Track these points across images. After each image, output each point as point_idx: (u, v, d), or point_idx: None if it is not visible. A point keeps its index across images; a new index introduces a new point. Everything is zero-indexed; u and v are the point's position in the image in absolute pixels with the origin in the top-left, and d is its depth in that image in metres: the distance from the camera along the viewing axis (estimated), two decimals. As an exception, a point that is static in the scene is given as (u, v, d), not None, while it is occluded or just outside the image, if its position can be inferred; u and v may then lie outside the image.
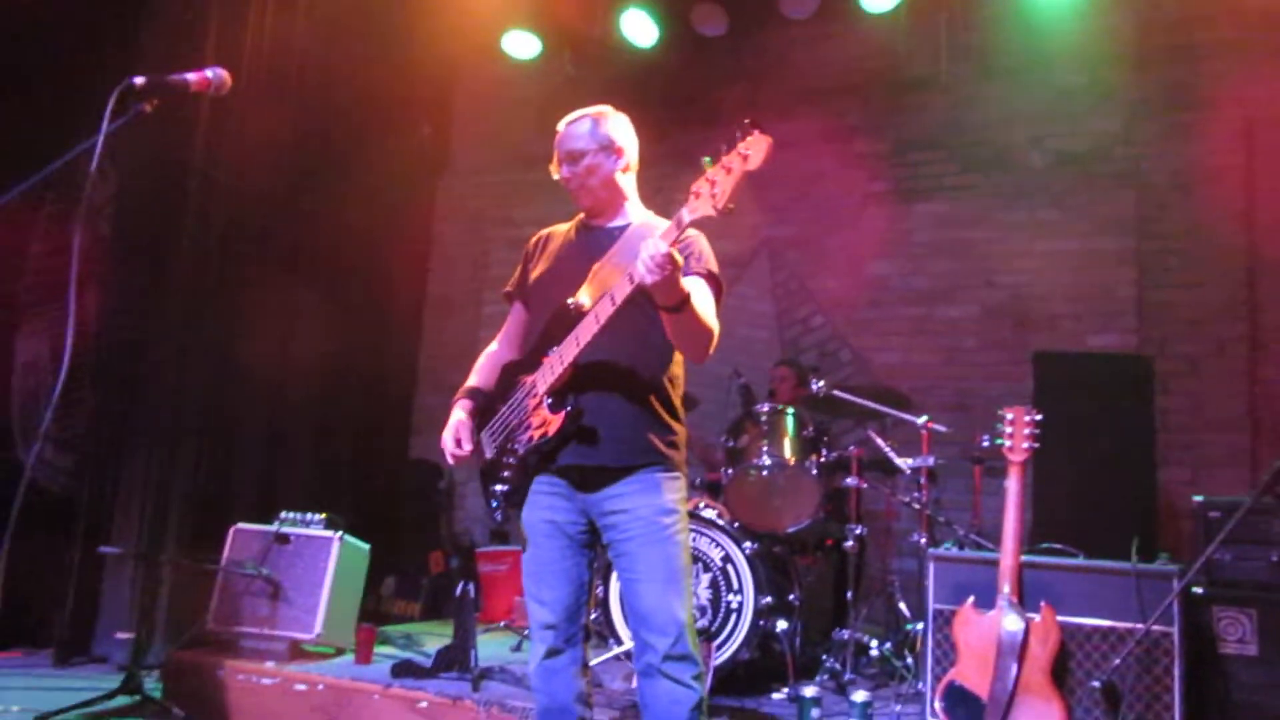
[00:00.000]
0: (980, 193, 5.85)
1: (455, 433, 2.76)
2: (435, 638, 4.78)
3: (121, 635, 4.70)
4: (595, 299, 2.57)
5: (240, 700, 4.00)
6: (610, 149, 2.71)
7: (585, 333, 2.52)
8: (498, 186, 6.91)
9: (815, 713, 3.42)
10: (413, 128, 6.62)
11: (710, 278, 2.61)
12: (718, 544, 4.00)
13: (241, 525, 4.49)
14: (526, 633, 4.71)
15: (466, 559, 6.12)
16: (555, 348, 2.60)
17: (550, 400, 2.61)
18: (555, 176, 2.75)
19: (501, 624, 4.99)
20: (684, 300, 2.40)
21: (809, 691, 3.48)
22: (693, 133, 6.30)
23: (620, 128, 2.75)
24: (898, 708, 3.53)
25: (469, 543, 6.38)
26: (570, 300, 2.61)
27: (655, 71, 6.21)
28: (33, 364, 5.29)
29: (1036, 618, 3.11)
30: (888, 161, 6.10)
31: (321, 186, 5.69)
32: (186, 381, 5.02)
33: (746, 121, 2.16)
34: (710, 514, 4.09)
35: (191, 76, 2.25)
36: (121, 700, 3.98)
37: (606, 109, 2.78)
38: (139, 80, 2.13)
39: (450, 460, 2.77)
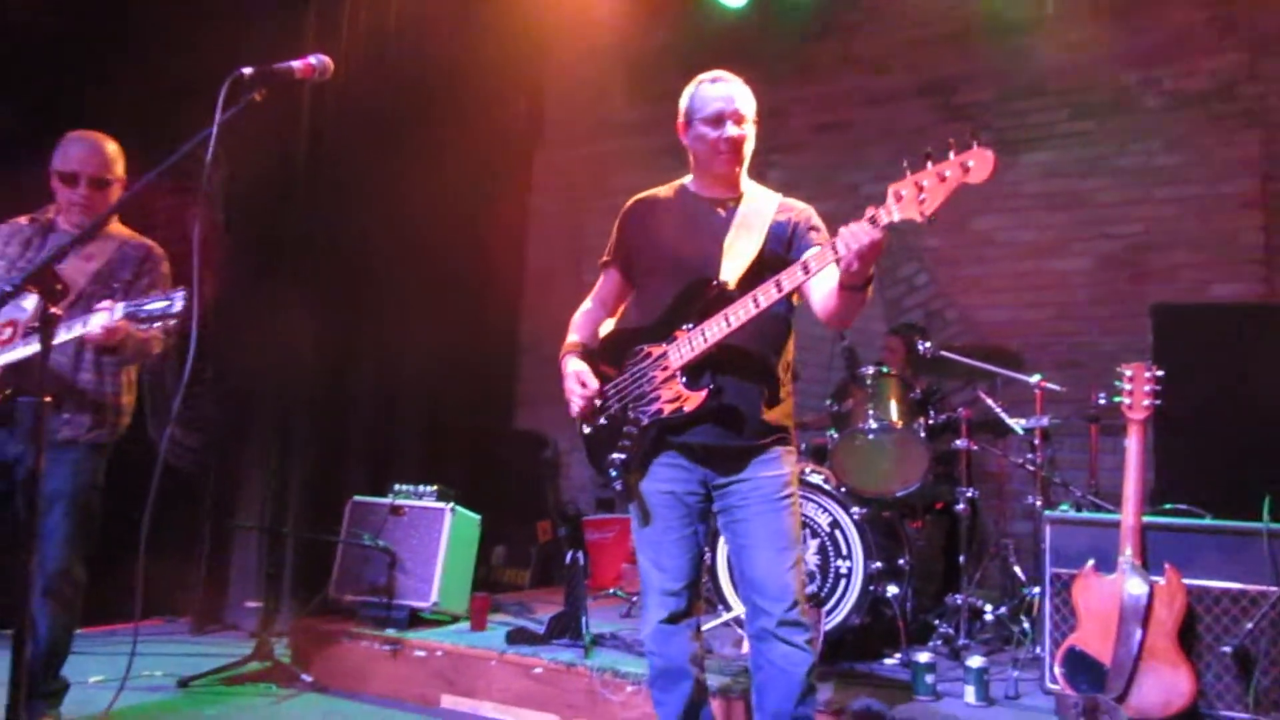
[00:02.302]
0: (1092, 139, 5.60)
1: (579, 376, 2.78)
2: (546, 605, 4.88)
3: (250, 604, 4.93)
4: (739, 278, 2.59)
5: (363, 665, 4.16)
6: (754, 121, 2.73)
7: (740, 314, 2.52)
8: (592, 157, 6.91)
9: (930, 678, 3.39)
10: (508, 102, 6.65)
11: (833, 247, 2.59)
12: (825, 509, 3.97)
13: (358, 498, 4.64)
14: (635, 599, 4.79)
15: (573, 527, 6.22)
16: (693, 324, 2.60)
17: (685, 377, 2.62)
18: (708, 131, 2.69)
19: (610, 591, 5.06)
20: (870, 280, 2.40)
21: (923, 657, 3.44)
22: (783, 91, 6.19)
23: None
24: (1015, 673, 3.46)
25: (575, 511, 6.47)
26: (715, 279, 2.62)
27: (745, 31, 6.11)
28: (158, 348, 5.52)
29: (1161, 581, 3.01)
30: (991, 111, 5.89)
31: (420, 164, 5.77)
32: (300, 362, 5.19)
33: (974, 138, 2.14)
34: (816, 479, 4.05)
35: (297, 64, 2.29)
36: (254, 665, 4.18)
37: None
38: (247, 71, 2.18)
39: (577, 406, 2.77)
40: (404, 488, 4.55)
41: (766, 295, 2.48)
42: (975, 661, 3.35)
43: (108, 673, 4.09)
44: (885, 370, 4.39)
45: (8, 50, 4.82)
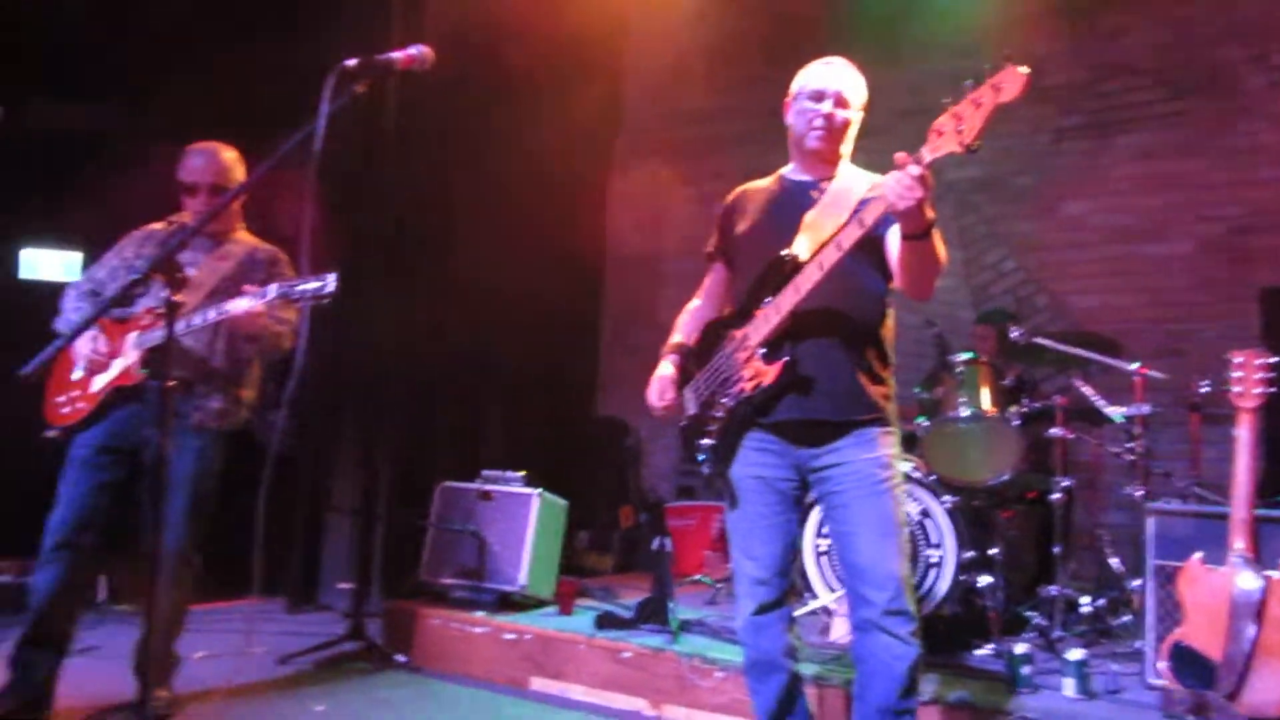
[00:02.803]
0: (1192, 119, 5.42)
1: (659, 386, 2.81)
2: (630, 590, 4.91)
3: (343, 586, 5.05)
4: (812, 250, 2.55)
5: (454, 648, 4.23)
6: (859, 107, 2.70)
7: (806, 280, 2.50)
8: (671, 143, 6.89)
9: (1027, 669, 3.33)
10: (588, 89, 6.66)
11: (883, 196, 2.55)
12: (915, 498, 3.92)
13: (447, 483, 4.71)
14: (720, 586, 4.80)
15: (655, 514, 6.24)
16: (769, 299, 2.59)
17: (764, 351, 2.60)
18: (806, 104, 2.68)
19: (696, 578, 5.06)
20: (930, 225, 2.35)
21: (1020, 648, 3.38)
22: (865, 76, 6.08)
23: (865, 89, 2.73)
24: (1115, 667, 3.38)
25: (656, 498, 6.49)
26: (785, 252, 2.60)
27: (827, 15, 6.03)
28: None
29: (1276, 575, 2.91)
30: (1083, 92, 5.74)
31: (501, 153, 5.82)
32: (389, 348, 5.29)
33: (1006, 54, 2.09)
34: (906, 467, 4.00)
35: (398, 55, 2.33)
36: (349, 645, 4.29)
37: (853, 67, 2.75)
38: (351, 63, 2.23)
39: (658, 413, 2.82)
40: (491, 473, 4.62)
41: (829, 257, 2.46)
42: (1075, 654, 3.28)
43: (212, 648, 4.23)
44: (977, 358, 4.32)
45: (106, 52, 4.99)
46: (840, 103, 2.67)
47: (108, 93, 5.03)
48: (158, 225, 3.59)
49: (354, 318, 5.25)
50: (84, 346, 3.33)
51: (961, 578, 3.81)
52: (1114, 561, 4.26)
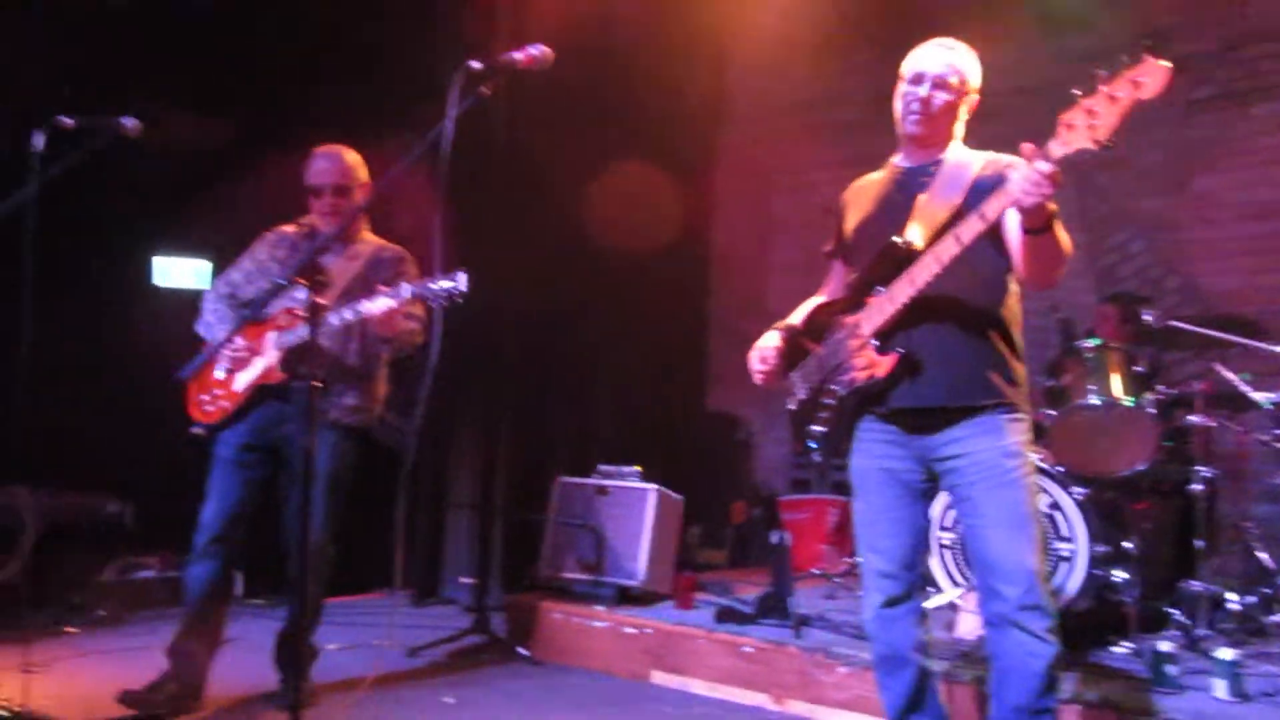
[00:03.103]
0: (1337, 86, 5.11)
1: (760, 352, 2.80)
2: (746, 585, 4.88)
3: (464, 580, 5.16)
4: (927, 237, 2.49)
5: (575, 641, 4.27)
6: (965, 87, 2.62)
7: (923, 274, 2.45)
8: (778, 133, 6.80)
9: (1172, 669, 3.19)
10: (690, 82, 6.63)
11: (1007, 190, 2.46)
12: (1044, 490, 3.80)
13: (565, 478, 4.76)
14: (838, 581, 4.74)
15: (768, 508, 6.19)
16: (882, 288, 2.54)
17: (877, 342, 2.55)
18: (902, 87, 2.64)
19: (815, 572, 5.01)
20: (1051, 219, 2.28)
21: (1163, 646, 3.24)
22: (982, 56, 5.91)
23: (978, 74, 2.65)
24: (1269, 668, 3.21)
25: (769, 492, 6.43)
26: (898, 238, 2.54)
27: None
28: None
29: None
30: (1214, 61, 5.45)
31: (607, 147, 5.83)
32: (504, 347, 5.37)
33: (1142, 45, 1.99)
34: (1034, 459, 3.87)
35: (519, 55, 2.36)
36: (473, 639, 4.38)
37: (971, 50, 2.67)
38: (476, 64, 2.26)
39: (756, 379, 2.80)
40: (608, 468, 4.64)
41: (947, 251, 2.39)
42: (1226, 654, 3.12)
43: (343, 640, 4.37)
44: (1106, 343, 4.15)
45: (233, 66, 5.19)
46: (939, 85, 2.59)
47: (235, 105, 5.22)
48: (288, 228, 3.71)
49: (471, 319, 5.34)
50: (223, 354, 3.47)
51: (1094, 572, 3.67)
52: (1263, 556, 4.05)
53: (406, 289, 3.06)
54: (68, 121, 2.96)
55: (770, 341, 2.81)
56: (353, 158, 3.63)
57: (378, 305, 3.14)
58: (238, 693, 3.56)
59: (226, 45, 5.24)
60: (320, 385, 2.01)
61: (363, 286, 3.53)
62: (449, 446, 5.44)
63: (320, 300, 2.07)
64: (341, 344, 3.52)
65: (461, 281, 2.82)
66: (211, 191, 4.96)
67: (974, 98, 2.65)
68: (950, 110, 2.61)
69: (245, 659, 3.68)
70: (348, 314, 3.22)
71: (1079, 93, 2.10)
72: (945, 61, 2.61)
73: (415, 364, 5.59)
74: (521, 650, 4.28)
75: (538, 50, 2.37)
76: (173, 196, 5.20)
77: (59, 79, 4.99)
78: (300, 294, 3.34)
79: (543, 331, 5.55)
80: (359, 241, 3.67)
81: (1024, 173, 2.18)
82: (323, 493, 3.45)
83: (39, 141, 2.88)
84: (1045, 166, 2.14)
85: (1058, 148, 2.14)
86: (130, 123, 3.01)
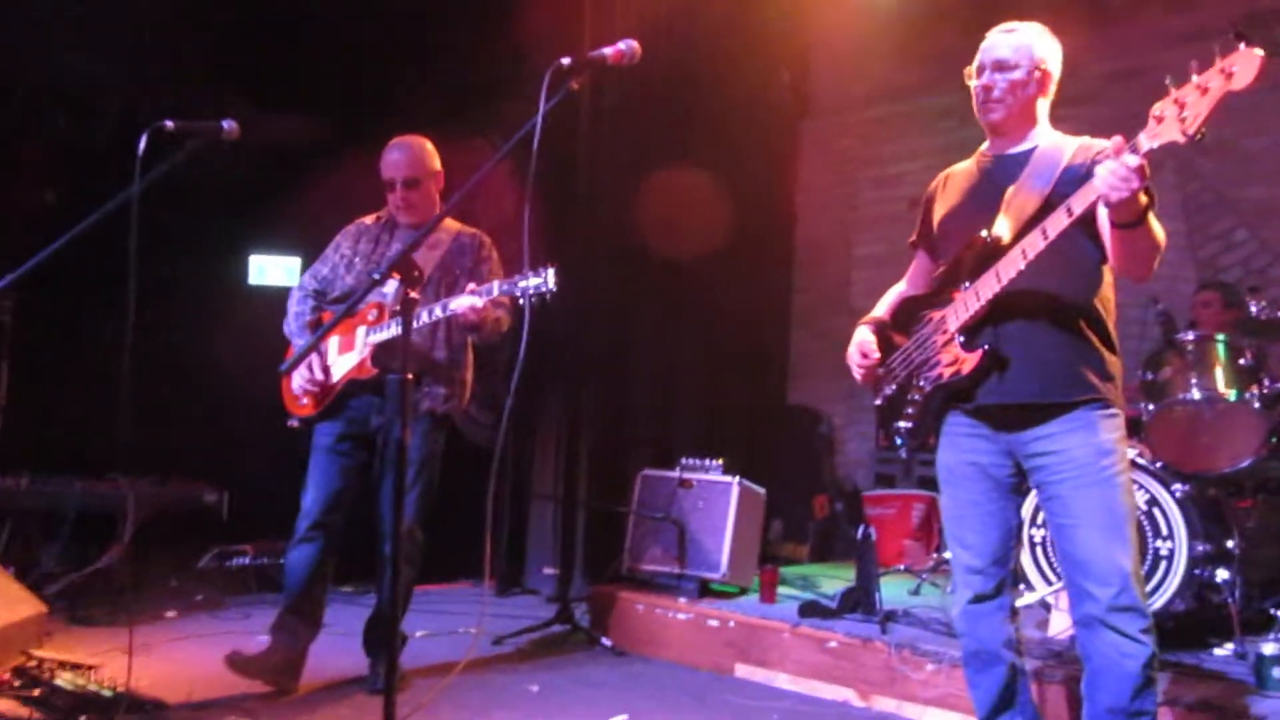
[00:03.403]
0: None
1: (861, 346, 2.76)
2: (828, 580, 4.85)
3: (548, 571, 5.22)
4: (1014, 230, 2.44)
5: (658, 633, 4.29)
6: (1036, 69, 2.54)
7: (1009, 269, 2.40)
8: (862, 124, 6.72)
9: (1277, 671, 3.07)
10: (772, 74, 6.59)
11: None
12: (1142, 486, 3.68)
13: (648, 471, 4.78)
14: (924, 577, 4.67)
15: (851, 503, 6.13)
16: (968, 282, 2.50)
17: (963, 338, 2.51)
18: (970, 83, 2.59)
19: (901, 567, 4.94)
20: (1144, 212, 2.21)
21: (1268, 648, 3.12)
22: (1071, 37, 5.70)
23: (1053, 52, 2.58)
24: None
25: (853, 487, 6.37)
26: (985, 232, 2.49)
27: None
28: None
29: None
30: (1324, 43, 5.21)
31: (689, 141, 5.82)
32: (586, 340, 5.40)
33: (1233, 34, 1.94)
34: (1131, 453, 3.76)
35: (608, 51, 2.36)
36: (556, 628, 4.42)
37: (1044, 29, 2.60)
38: (566, 61, 2.27)
39: (858, 375, 2.77)
40: (690, 461, 4.64)
41: (1033, 246, 2.34)
42: (1335, 657, 3.00)
43: (431, 627, 4.46)
44: (1208, 335, 4.01)
45: (325, 66, 5.32)
46: (1000, 67, 2.53)
47: (325, 104, 5.35)
48: (367, 219, 3.79)
49: (555, 314, 5.38)
50: (321, 344, 3.56)
51: (1195, 572, 3.55)
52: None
53: (495, 286, 3.11)
54: (169, 125, 3.05)
55: (867, 335, 2.78)
56: (424, 147, 3.67)
57: (465, 303, 3.21)
58: (330, 676, 3.65)
59: (317, 45, 5.38)
60: (412, 378, 2.03)
61: (445, 274, 3.60)
62: (533, 439, 5.50)
63: (413, 294, 2.11)
64: (429, 337, 3.59)
65: (549, 278, 2.83)
66: (303, 190, 5.09)
67: (1046, 75, 2.56)
68: (1018, 92, 2.54)
69: (336, 644, 3.77)
70: (437, 310, 3.30)
71: (1170, 84, 2.04)
72: (1006, 44, 2.56)
73: (500, 360, 5.71)
74: (605, 640, 4.32)
75: (626, 46, 2.37)
76: (268, 196, 5.36)
77: (159, 83, 5.18)
78: (388, 287, 3.45)
79: (625, 325, 5.57)
80: (439, 229, 3.70)
81: (1110, 167, 2.12)
82: (414, 480, 3.56)
83: (141, 145, 2.97)
84: (1133, 160, 2.09)
85: (1146, 140, 2.08)
86: (229, 125, 3.09)
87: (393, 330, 3.42)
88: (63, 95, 5.28)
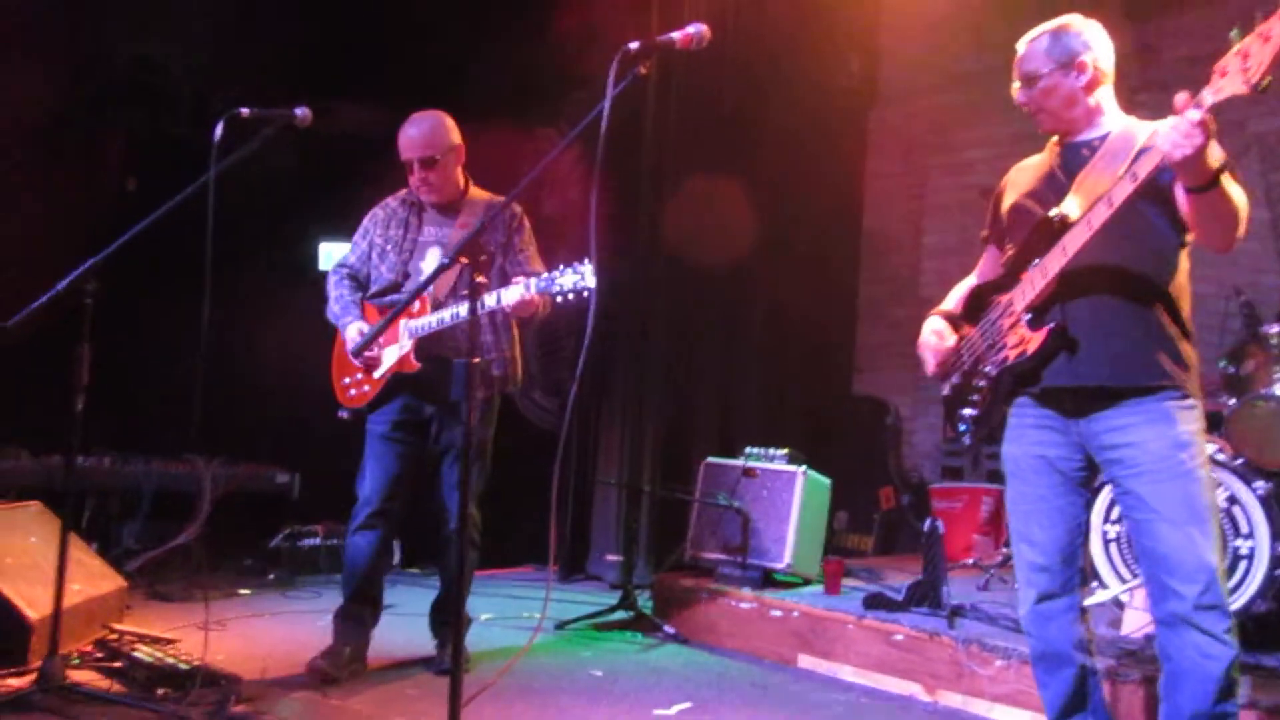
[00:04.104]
0: None
1: (934, 332, 2.71)
2: (894, 572, 4.79)
3: (611, 557, 5.23)
4: (1083, 209, 2.37)
5: (721, 621, 4.27)
6: (1070, 65, 2.47)
7: (1075, 240, 2.34)
8: (932, 111, 6.59)
9: (1365, 677, 2.96)
10: (841, 62, 6.49)
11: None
12: (1222, 483, 3.57)
13: (711, 459, 4.76)
14: (993, 572, 4.58)
15: (917, 495, 6.04)
16: (1036, 261, 2.43)
17: (1029, 317, 2.45)
18: (1016, 100, 2.58)
19: (968, 562, 4.87)
20: (1218, 173, 2.14)
21: (1356, 653, 3.01)
22: (1149, 23, 5.58)
23: (1085, 39, 2.50)
24: None
25: (919, 479, 6.28)
26: (1054, 212, 2.43)
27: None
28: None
29: None
30: None
31: (756, 132, 5.78)
32: (651, 327, 5.41)
33: None
34: (1211, 449, 3.65)
35: (677, 35, 2.34)
36: (619, 615, 4.44)
37: (1071, 20, 2.54)
38: (634, 45, 2.26)
39: (930, 363, 2.71)
40: (755, 450, 4.62)
41: (1097, 216, 2.28)
42: None
43: (494, 612, 4.50)
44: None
45: (393, 56, 5.38)
46: (1027, 81, 2.52)
47: (395, 91, 5.41)
48: (391, 200, 3.72)
49: (619, 301, 5.39)
50: (353, 338, 3.52)
51: (1276, 573, 3.43)
52: None
53: (533, 284, 3.06)
54: (244, 111, 3.11)
55: (939, 323, 2.73)
56: (440, 124, 3.55)
57: (510, 299, 3.16)
58: (396, 656, 3.71)
59: (386, 33, 5.44)
60: (476, 363, 2.04)
61: (480, 252, 3.53)
62: (597, 425, 5.52)
63: (481, 279, 2.12)
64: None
65: (587, 276, 2.73)
66: (372, 177, 5.16)
67: (1083, 65, 2.48)
68: (1055, 96, 2.50)
69: (403, 624, 3.84)
70: (490, 300, 3.24)
71: (1235, 36, 2.00)
72: (1024, 56, 2.54)
73: (566, 346, 5.74)
74: (667, 628, 4.32)
75: (696, 29, 2.34)
76: (337, 183, 5.44)
77: (233, 72, 5.29)
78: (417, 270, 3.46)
79: (690, 313, 5.55)
80: (465, 205, 3.63)
81: (1171, 123, 2.07)
82: (472, 461, 3.51)
83: (217, 132, 3.03)
84: (1194, 114, 2.03)
85: (1210, 95, 2.02)
86: (302, 112, 3.14)
87: (433, 321, 3.39)
88: (140, 85, 5.43)
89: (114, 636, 3.59)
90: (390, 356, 3.50)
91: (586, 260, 2.65)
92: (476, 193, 3.69)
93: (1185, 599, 2.29)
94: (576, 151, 5.61)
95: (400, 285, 3.59)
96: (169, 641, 3.57)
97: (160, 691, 3.11)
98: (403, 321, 3.48)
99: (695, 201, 5.51)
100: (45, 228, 4.97)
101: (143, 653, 3.38)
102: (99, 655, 3.48)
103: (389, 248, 3.63)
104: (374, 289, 3.66)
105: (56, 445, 4.57)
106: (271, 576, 5.05)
